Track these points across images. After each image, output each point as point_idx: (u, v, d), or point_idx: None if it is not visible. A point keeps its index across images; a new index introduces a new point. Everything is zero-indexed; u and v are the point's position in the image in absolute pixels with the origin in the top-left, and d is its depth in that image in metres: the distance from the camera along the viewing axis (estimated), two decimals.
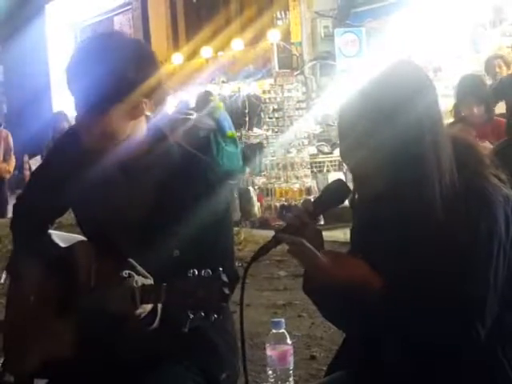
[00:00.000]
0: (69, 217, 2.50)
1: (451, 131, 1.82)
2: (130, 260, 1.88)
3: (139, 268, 1.86)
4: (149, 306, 1.85)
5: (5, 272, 2.35)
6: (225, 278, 1.71)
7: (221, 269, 1.72)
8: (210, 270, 1.71)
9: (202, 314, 1.69)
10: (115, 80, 1.95)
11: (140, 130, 2.08)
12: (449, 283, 1.65)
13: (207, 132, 8.74)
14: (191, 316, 1.69)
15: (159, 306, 1.86)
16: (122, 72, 1.96)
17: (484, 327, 1.65)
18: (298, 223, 1.76)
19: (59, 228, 2.32)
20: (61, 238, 2.21)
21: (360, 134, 1.70)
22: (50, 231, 2.24)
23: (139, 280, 1.82)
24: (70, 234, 2.25)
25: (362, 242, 1.85)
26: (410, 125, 1.67)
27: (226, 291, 1.70)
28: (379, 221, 1.77)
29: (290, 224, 1.77)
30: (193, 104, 12.52)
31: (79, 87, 2.01)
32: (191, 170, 2.08)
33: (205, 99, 11.27)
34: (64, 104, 15.50)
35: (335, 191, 1.81)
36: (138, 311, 1.83)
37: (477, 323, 1.65)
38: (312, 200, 1.82)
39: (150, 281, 1.85)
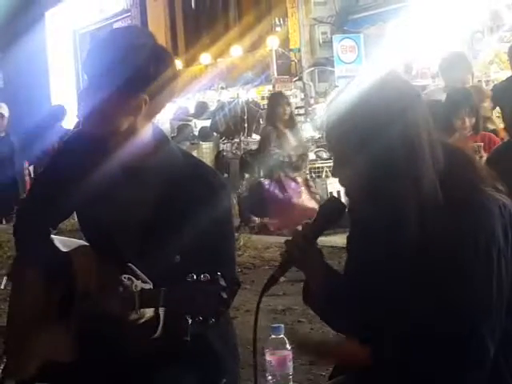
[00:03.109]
0: (69, 223, 2.51)
1: (447, 143, 1.80)
2: (130, 264, 1.89)
3: (139, 272, 1.87)
4: (148, 311, 1.86)
5: (5, 278, 2.36)
6: (223, 283, 1.72)
7: (219, 273, 1.73)
8: (208, 275, 1.73)
9: (201, 318, 1.70)
10: (120, 67, 1.99)
11: (144, 133, 2.10)
12: (448, 296, 1.65)
13: None
14: (190, 321, 1.70)
15: (161, 314, 1.87)
16: (127, 61, 1.99)
17: (493, 341, 1.65)
18: (298, 251, 1.81)
19: (60, 234, 2.33)
20: (62, 242, 2.22)
21: (343, 151, 1.73)
22: (52, 236, 2.25)
23: (138, 284, 1.82)
24: (72, 239, 2.25)
25: (358, 251, 1.87)
26: (391, 143, 1.67)
27: (224, 295, 1.71)
28: (369, 231, 1.78)
29: (290, 252, 1.83)
30: (192, 110, 12.57)
31: (89, 68, 2.07)
32: (194, 176, 2.09)
33: (203, 107, 11.31)
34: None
35: (330, 212, 1.85)
36: (137, 315, 1.84)
37: (486, 337, 1.64)
38: (310, 223, 1.85)
39: (150, 285, 1.85)
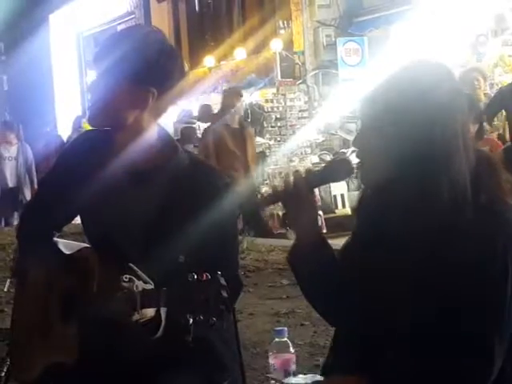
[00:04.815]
0: (72, 225, 2.51)
1: (476, 146, 1.79)
2: (131, 265, 1.89)
3: (140, 273, 1.87)
4: (149, 311, 1.86)
5: (9, 280, 2.36)
6: (223, 282, 1.71)
7: (219, 272, 1.73)
8: (208, 274, 1.72)
9: (201, 317, 1.70)
10: (129, 58, 2.01)
11: (150, 133, 2.10)
12: (457, 295, 1.63)
13: None
14: (190, 320, 1.70)
15: (163, 314, 1.86)
16: (137, 54, 2.01)
17: (501, 351, 1.62)
18: (295, 190, 1.81)
19: (63, 236, 2.33)
20: (65, 245, 2.22)
21: (374, 126, 1.72)
22: (56, 239, 2.25)
23: (139, 285, 1.82)
24: (75, 242, 2.25)
25: (364, 239, 1.83)
26: (420, 123, 1.66)
27: (225, 294, 1.70)
28: (383, 216, 1.75)
29: (287, 189, 1.83)
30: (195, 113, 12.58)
31: (99, 60, 2.08)
32: (199, 177, 2.10)
33: (206, 110, 11.32)
34: (67, 113, 15.57)
35: (338, 166, 1.85)
36: (138, 316, 1.84)
37: (495, 347, 1.62)
38: (314, 170, 1.86)
39: (151, 285, 1.85)
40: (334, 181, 1.90)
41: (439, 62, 1.80)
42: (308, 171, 1.86)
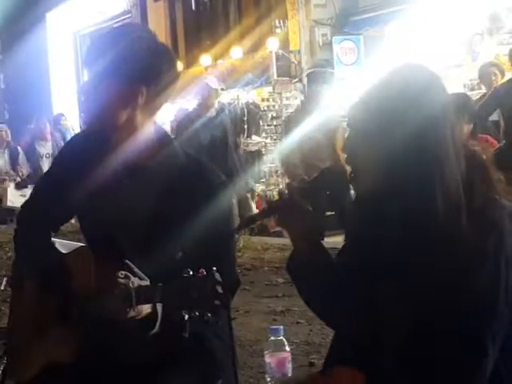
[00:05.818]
0: (68, 225, 2.52)
1: (469, 145, 1.78)
2: (127, 261, 1.90)
3: (136, 269, 1.88)
4: (145, 308, 1.87)
5: (5, 279, 2.37)
6: (218, 277, 1.72)
7: (214, 268, 1.74)
8: (203, 270, 1.73)
9: (197, 313, 1.71)
10: (117, 57, 2.02)
11: (146, 130, 2.11)
12: (453, 300, 1.64)
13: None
14: (186, 316, 1.71)
15: (159, 310, 1.88)
16: (124, 52, 2.02)
17: (494, 348, 1.63)
18: (290, 201, 1.82)
19: (60, 235, 2.34)
20: (62, 245, 2.23)
21: (363, 134, 1.72)
22: (53, 239, 2.26)
23: (135, 281, 1.83)
24: (71, 242, 2.27)
25: (361, 242, 1.82)
26: (411, 128, 1.65)
27: (220, 290, 1.71)
28: (379, 220, 1.74)
29: (282, 200, 1.85)
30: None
31: (89, 60, 2.10)
32: (195, 174, 2.11)
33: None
34: (64, 111, 15.56)
35: (332, 176, 1.86)
36: (134, 312, 1.85)
37: (488, 344, 1.62)
38: (308, 180, 1.87)
39: (147, 282, 1.86)
40: (328, 188, 1.89)
41: (424, 65, 1.79)
42: (302, 182, 1.87)
